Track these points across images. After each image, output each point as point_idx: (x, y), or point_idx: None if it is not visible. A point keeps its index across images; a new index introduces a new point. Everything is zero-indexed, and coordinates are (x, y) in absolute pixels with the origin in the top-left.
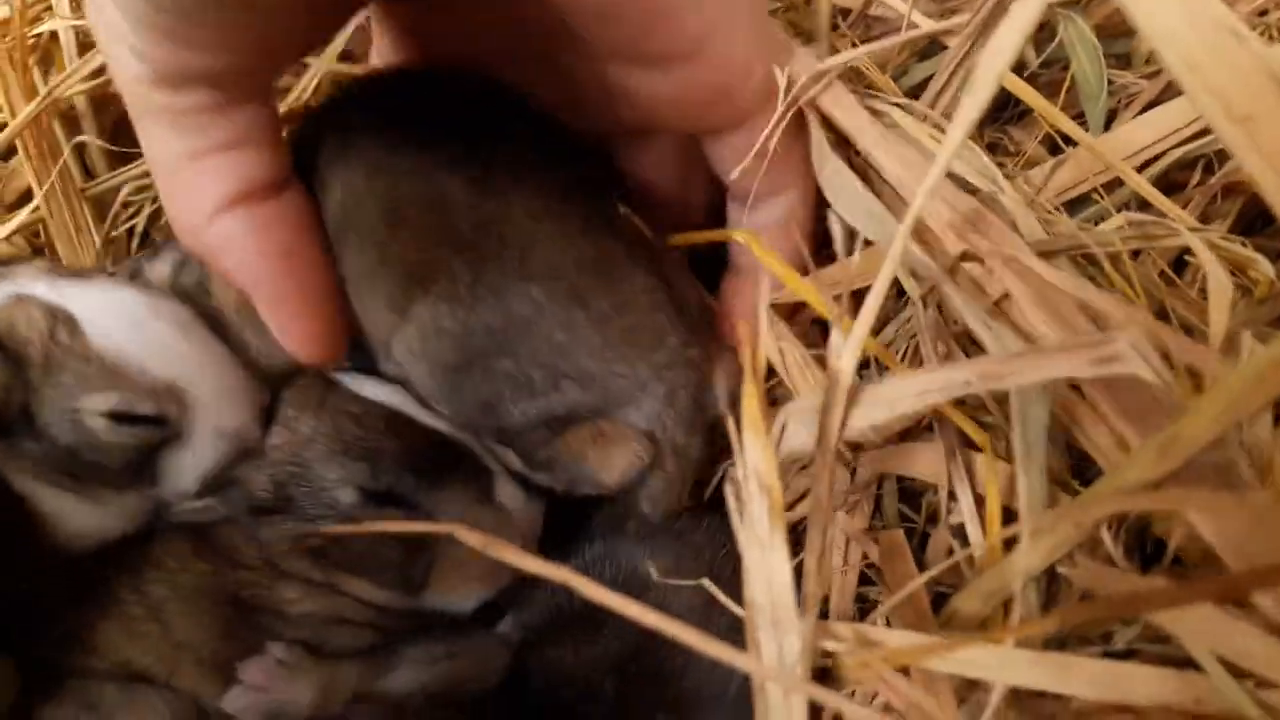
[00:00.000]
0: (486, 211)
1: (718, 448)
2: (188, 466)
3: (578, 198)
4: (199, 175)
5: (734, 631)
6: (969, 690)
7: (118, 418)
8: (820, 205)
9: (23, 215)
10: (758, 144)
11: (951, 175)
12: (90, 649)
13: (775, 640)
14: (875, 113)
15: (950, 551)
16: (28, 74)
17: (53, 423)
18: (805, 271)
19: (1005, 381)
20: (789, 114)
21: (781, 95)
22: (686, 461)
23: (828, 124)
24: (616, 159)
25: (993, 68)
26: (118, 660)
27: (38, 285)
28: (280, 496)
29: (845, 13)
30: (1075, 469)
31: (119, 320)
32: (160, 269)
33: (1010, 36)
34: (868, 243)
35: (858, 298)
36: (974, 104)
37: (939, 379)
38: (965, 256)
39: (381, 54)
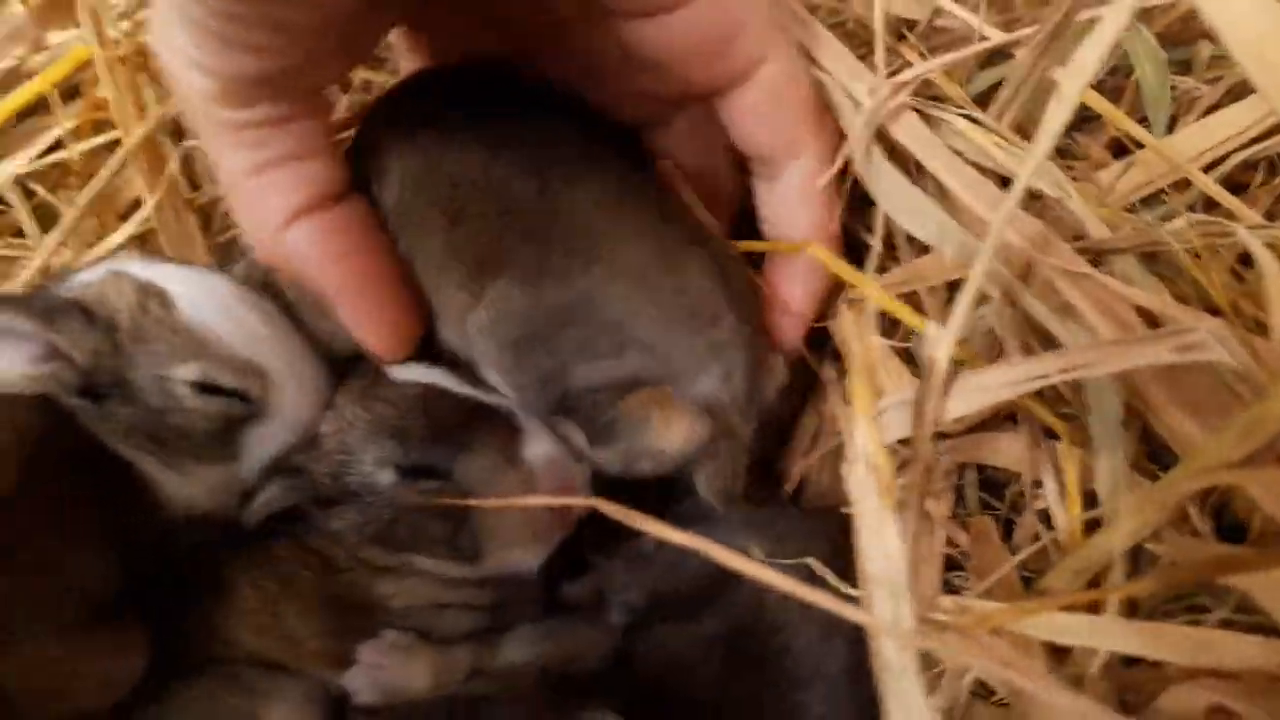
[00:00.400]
0: (551, 206)
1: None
2: (263, 447)
3: (638, 191)
4: (265, 188)
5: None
6: (1058, 664)
7: (203, 388)
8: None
9: (133, 223)
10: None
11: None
12: (221, 638)
13: (889, 604)
14: (938, 122)
15: (1036, 536)
16: (137, 92)
17: (143, 387)
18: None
19: (1092, 370)
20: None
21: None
22: (739, 445)
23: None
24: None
25: (1074, 86)
26: (247, 651)
27: (132, 264)
28: (339, 486)
29: (911, 24)
30: (1151, 456)
31: (209, 301)
32: (237, 269)
33: (1091, 56)
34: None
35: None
36: (1055, 122)
37: (1026, 370)
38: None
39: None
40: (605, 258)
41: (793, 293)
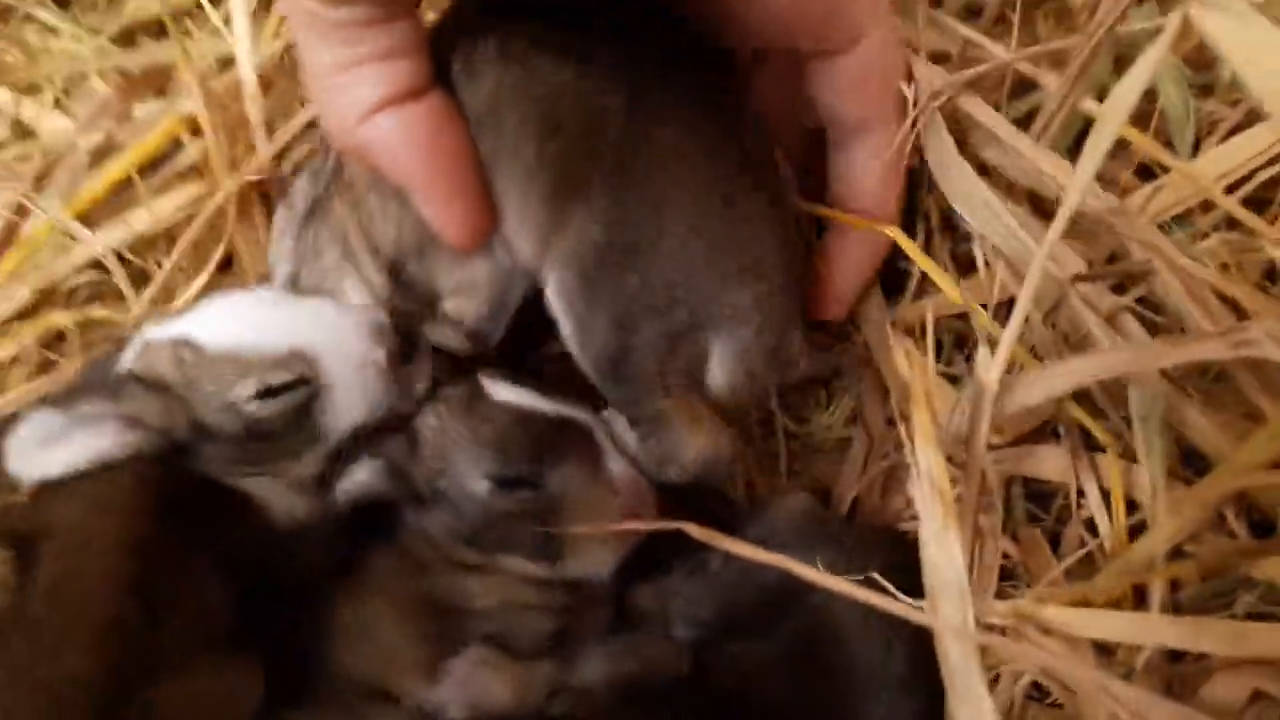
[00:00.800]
0: (639, 135)
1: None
2: (343, 410)
3: (726, 133)
4: (352, 81)
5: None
6: (1106, 662)
7: (263, 394)
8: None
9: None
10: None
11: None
12: (321, 658)
13: (954, 610)
14: (984, 141)
15: (1081, 544)
16: (234, 147)
17: (216, 422)
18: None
19: (1147, 366)
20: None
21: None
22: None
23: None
24: None
25: (1114, 119)
26: (352, 677)
27: (152, 330)
28: (434, 491)
29: (944, 57)
30: (1184, 461)
31: (230, 323)
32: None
33: (1129, 91)
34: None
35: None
36: (1097, 152)
37: (1080, 367)
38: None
39: None
40: (677, 203)
41: (842, 272)
